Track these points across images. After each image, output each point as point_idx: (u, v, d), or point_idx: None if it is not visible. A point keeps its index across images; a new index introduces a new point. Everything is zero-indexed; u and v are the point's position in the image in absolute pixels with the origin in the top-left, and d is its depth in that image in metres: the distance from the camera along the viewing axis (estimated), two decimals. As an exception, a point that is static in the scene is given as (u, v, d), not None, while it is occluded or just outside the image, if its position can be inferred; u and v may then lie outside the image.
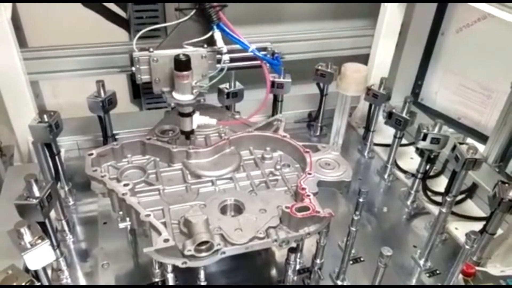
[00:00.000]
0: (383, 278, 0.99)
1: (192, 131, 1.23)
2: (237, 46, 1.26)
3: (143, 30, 1.26)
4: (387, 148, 1.65)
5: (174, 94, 1.17)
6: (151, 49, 1.18)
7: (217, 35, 1.20)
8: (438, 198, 1.47)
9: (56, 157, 1.34)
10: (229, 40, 1.23)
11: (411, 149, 1.71)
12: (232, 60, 1.23)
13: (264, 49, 1.31)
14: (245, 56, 1.28)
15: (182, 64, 1.11)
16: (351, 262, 1.25)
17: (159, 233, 0.96)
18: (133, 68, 1.19)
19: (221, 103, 1.57)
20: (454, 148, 1.25)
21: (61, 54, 1.61)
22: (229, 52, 1.22)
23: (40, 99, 1.75)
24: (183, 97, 1.15)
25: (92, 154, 1.18)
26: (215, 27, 1.20)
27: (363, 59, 1.82)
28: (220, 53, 1.20)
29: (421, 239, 1.36)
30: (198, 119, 1.23)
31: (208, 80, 1.20)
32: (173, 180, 1.19)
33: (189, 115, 1.19)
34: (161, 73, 1.18)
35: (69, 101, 1.76)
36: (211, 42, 1.21)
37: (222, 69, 1.20)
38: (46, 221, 1.06)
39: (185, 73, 1.11)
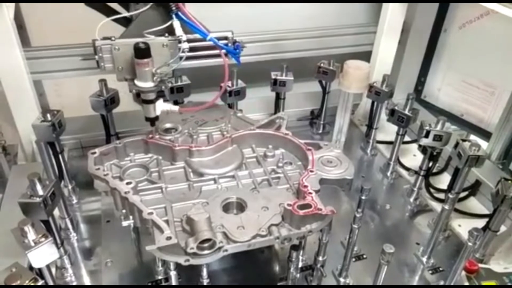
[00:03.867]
0: (385, 275, 0.99)
1: (156, 118, 1.27)
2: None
3: (105, 20, 1.27)
4: (389, 146, 1.65)
5: (136, 81, 1.20)
6: (113, 38, 1.21)
7: (176, 24, 1.23)
8: (441, 195, 1.47)
9: (60, 156, 1.34)
10: (189, 29, 1.25)
11: (414, 146, 1.70)
12: (194, 49, 1.26)
13: (225, 38, 1.32)
14: (206, 45, 1.29)
15: (142, 52, 1.14)
16: (353, 259, 1.25)
17: (162, 231, 0.97)
18: (96, 57, 1.22)
19: (223, 101, 1.57)
20: (456, 145, 1.24)
21: (64, 53, 1.61)
22: (191, 41, 1.24)
23: (44, 98, 1.76)
24: (145, 84, 1.19)
25: (95, 152, 1.19)
26: (173, 16, 1.23)
27: (366, 56, 1.81)
28: (180, 41, 1.22)
29: (424, 236, 1.36)
30: (161, 105, 1.27)
31: (168, 68, 1.23)
32: (176, 178, 1.19)
33: (152, 101, 1.23)
34: (123, 61, 1.21)
35: (72, 100, 1.76)
36: (173, 31, 1.24)
37: (181, 57, 1.22)
38: (50, 219, 1.06)
39: (145, 60, 1.15)
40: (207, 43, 1.27)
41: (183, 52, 1.21)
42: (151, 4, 1.23)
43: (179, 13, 1.23)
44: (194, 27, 1.24)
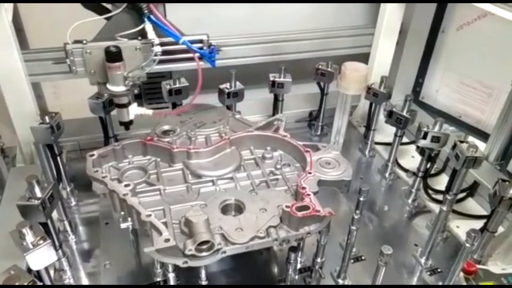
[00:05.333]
0: (384, 276, 1.00)
1: (130, 122, 1.27)
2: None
3: (77, 23, 1.26)
4: (388, 147, 1.65)
5: (108, 85, 1.19)
6: (84, 41, 1.20)
7: (148, 27, 1.22)
8: (439, 197, 1.47)
9: (58, 158, 1.34)
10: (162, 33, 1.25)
11: (412, 147, 1.71)
12: (168, 52, 1.26)
13: (200, 41, 1.32)
14: (180, 49, 1.29)
15: (113, 56, 1.13)
16: (352, 261, 1.25)
17: (160, 233, 0.97)
18: (68, 61, 1.22)
19: (221, 103, 1.58)
20: (454, 146, 1.25)
21: (62, 55, 1.61)
22: (164, 44, 1.24)
23: (42, 100, 1.76)
24: (117, 88, 1.18)
25: (93, 155, 1.19)
26: (146, 19, 1.22)
27: (364, 58, 1.82)
28: (153, 44, 1.21)
29: (422, 237, 1.36)
30: (135, 109, 1.26)
31: (141, 71, 1.22)
32: (174, 180, 1.19)
33: (125, 106, 1.23)
34: (95, 65, 1.21)
35: (71, 102, 1.76)
36: (146, 34, 1.24)
37: (153, 61, 1.22)
38: (48, 221, 1.06)
39: (116, 64, 1.14)
40: (181, 46, 1.27)
41: (155, 55, 1.20)
42: (124, 6, 1.22)
43: (152, 16, 1.22)
44: (166, 30, 1.24)
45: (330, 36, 1.94)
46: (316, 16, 2.00)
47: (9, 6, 1.35)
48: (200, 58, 1.32)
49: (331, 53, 1.93)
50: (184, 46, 1.27)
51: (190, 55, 1.31)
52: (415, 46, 1.86)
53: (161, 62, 1.25)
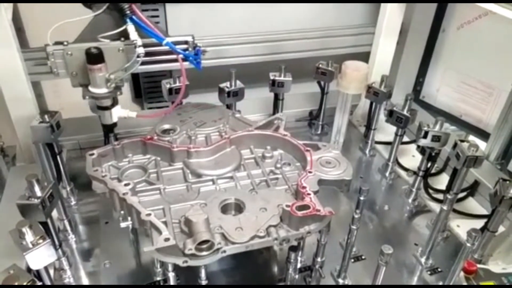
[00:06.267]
0: (384, 276, 0.99)
1: (114, 124, 1.25)
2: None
3: (56, 24, 1.24)
4: (388, 146, 1.65)
5: (90, 87, 1.18)
6: (65, 43, 1.19)
7: (131, 28, 1.20)
8: (440, 196, 1.47)
9: (58, 157, 1.34)
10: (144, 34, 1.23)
11: (413, 147, 1.71)
12: (152, 54, 1.24)
13: (186, 42, 1.29)
14: (164, 50, 1.27)
15: (94, 57, 1.12)
16: (352, 260, 1.25)
17: (160, 232, 0.97)
18: (49, 62, 1.20)
19: (222, 102, 1.57)
20: (455, 145, 1.25)
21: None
22: (148, 45, 1.22)
23: (42, 99, 1.75)
24: (98, 90, 1.17)
25: (93, 154, 1.19)
26: (128, 20, 1.20)
27: (364, 57, 1.81)
28: (135, 46, 1.19)
29: (423, 237, 1.36)
30: (119, 112, 1.25)
31: (124, 73, 1.20)
32: (174, 180, 1.19)
33: (108, 108, 1.22)
34: (77, 66, 1.19)
35: (71, 101, 1.76)
36: (128, 35, 1.22)
37: (137, 62, 1.20)
38: (48, 221, 1.06)
39: (97, 66, 1.13)
40: (165, 47, 1.24)
41: (138, 57, 1.18)
42: (105, 7, 1.20)
43: (134, 16, 1.20)
44: (149, 31, 1.21)
45: (331, 35, 1.94)
46: (316, 16, 1.99)
47: (9, 5, 1.34)
48: (185, 60, 1.29)
49: (332, 52, 1.93)
50: (167, 47, 1.25)
51: (170, 56, 1.28)
52: (416, 45, 1.86)
53: (146, 63, 1.23)
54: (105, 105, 1.20)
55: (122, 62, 1.19)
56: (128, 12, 1.19)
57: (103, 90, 1.17)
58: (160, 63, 1.30)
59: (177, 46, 1.27)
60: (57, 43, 1.19)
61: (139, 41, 1.19)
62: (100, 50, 1.12)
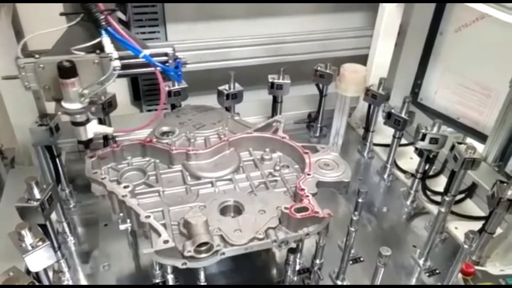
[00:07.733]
0: (382, 278, 1.00)
1: (90, 140, 1.19)
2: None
3: (32, 35, 1.19)
4: (386, 148, 1.65)
5: (63, 102, 1.10)
6: (36, 56, 1.11)
7: (106, 40, 1.13)
8: (438, 198, 1.47)
9: (57, 160, 1.34)
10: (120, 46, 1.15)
11: (411, 149, 1.71)
12: (129, 66, 1.17)
13: (165, 54, 1.21)
14: (142, 63, 1.19)
15: (66, 71, 1.04)
16: (350, 262, 1.26)
17: (159, 235, 0.97)
18: (20, 76, 1.11)
19: (220, 105, 1.58)
20: (452, 148, 1.25)
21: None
22: (125, 58, 1.15)
23: (41, 102, 1.75)
24: (72, 105, 1.09)
25: (92, 156, 1.19)
26: (103, 31, 1.13)
27: (363, 59, 1.82)
28: (111, 59, 1.12)
29: (421, 238, 1.36)
30: (94, 128, 1.18)
31: (99, 87, 1.12)
32: (173, 182, 1.19)
33: (82, 124, 1.14)
34: (49, 80, 1.10)
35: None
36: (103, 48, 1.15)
37: (112, 76, 1.13)
38: (47, 223, 1.06)
39: (70, 80, 1.05)
40: (142, 59, 1.17)
41: (114, 70, 1.11)
42: (79, 18, 1.14)
43: (109, 28, 1.13)
44: (125, 43, 1.14)
45: (329, 38, 1.95)
46: (315, 18, 2.00)
47: (9, 8, 1.35)
48: (162, 72, 1.22)
49: (330, 55, 1.94)
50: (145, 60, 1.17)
51: (148, 69, 1.21)
52: (414, 47, 1.87)
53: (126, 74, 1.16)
54: (79, 121, 1.13)
55: (97, 76, 1.11)
56: (103, 23, 1.12)
57: (76, 106, 1.09)
58: (141, 70, 1.22)
59: (156, 59, 1.20)
60: (28, 55, 1.11)
61: (115, 54, 1.12)
62: (73, 63, 1.05)
